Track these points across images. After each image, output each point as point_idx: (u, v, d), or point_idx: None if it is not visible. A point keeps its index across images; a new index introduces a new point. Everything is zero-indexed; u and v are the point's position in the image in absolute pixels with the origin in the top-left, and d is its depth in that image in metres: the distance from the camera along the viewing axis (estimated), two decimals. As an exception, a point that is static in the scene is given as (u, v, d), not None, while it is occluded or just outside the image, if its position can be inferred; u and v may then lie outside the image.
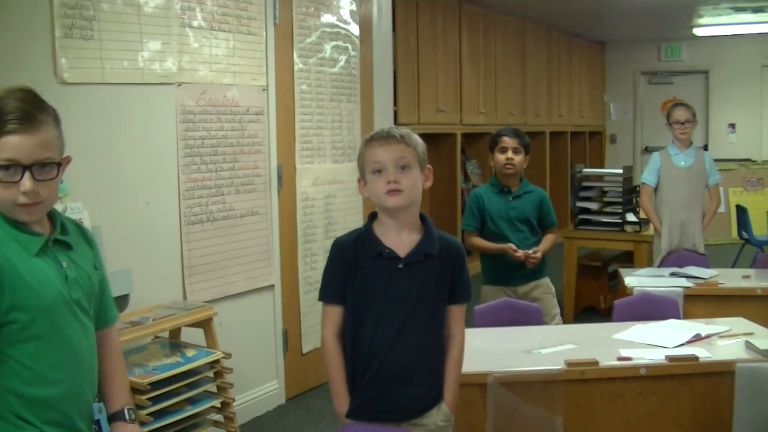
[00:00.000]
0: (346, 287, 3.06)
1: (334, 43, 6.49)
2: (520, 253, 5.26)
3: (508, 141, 5.38)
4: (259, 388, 5.85)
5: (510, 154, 5.36)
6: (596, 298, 8.32)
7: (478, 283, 5.34)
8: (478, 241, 5.39)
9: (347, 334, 3.08)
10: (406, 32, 9.14)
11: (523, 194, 5.47)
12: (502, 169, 5.40)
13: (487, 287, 5.43)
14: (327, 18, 6.43)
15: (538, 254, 5.31)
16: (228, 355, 4.62)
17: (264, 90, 5.76)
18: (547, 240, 5.50)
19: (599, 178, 8.37)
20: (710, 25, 13.48)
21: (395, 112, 8.43)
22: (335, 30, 6.52)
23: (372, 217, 3.14)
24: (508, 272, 5.39)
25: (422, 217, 3.13)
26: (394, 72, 8.15)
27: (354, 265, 3.05)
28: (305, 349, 6.21)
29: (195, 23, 5.15)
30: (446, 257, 3.10)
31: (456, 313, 3.18)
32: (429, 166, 3.13)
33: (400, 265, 3.03)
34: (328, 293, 3.12)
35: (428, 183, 3.12)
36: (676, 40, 15.31)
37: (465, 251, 3.22)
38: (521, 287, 5.41)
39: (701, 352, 3.97)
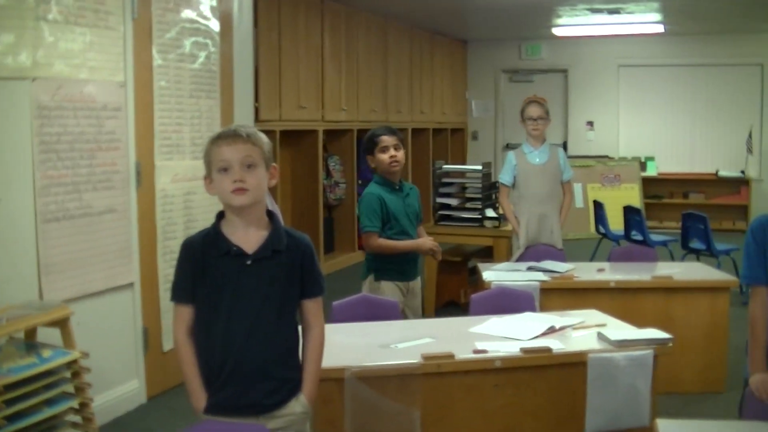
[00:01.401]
0: (195, 286, 3.07)
1: (193, 39, 6.42)
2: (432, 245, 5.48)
3: (387, 140, 5.43)
4: (120, 387, 5.76)
5: (392, 151, 5.41)
6: (457, 292, 8.43)
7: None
8: (387, 242, 5.38)
9: (200, 332, 3.09)
10: (268, 28, 9.12)
11: (409, 190, 5.59)
12: (389, 168, 5.43)
13: (386, 283, 5.42)
14: (187, 13, 6.35)
15: (440, 252, 5.56)
16: (86, 355, 4.54)
17: (122, 86, 5.65)
18: (422, 232, 5.67)
19: (459, 174, 8.48)
20: (568, 26, 13.76)
21: (257, 109, 8.42)
22: (195, 26, 6.45)
23: (220, 215, 3.16)
24: (408, 268, 5.50)
25: (269, 214, 3.16)
26: (256, 68, 8.13)
27: (203, 264, 3.07)
28: (166, 348, 6.14)
29: (50, 16, 5.02)
30: (294, 252, 3.14)
31: (311, 307, 3.23)
32: (274, 164, 3.17)
33: (248, 262, 3.06)
34: (178, 293, 3.13)
35: (273, 181, 3.15)
36: (536, 39, 15.60)
37: (312, 246, 3.24)
38: (411, 282, 5.53)
39: (555, 344, 4.08)
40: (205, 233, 3.14)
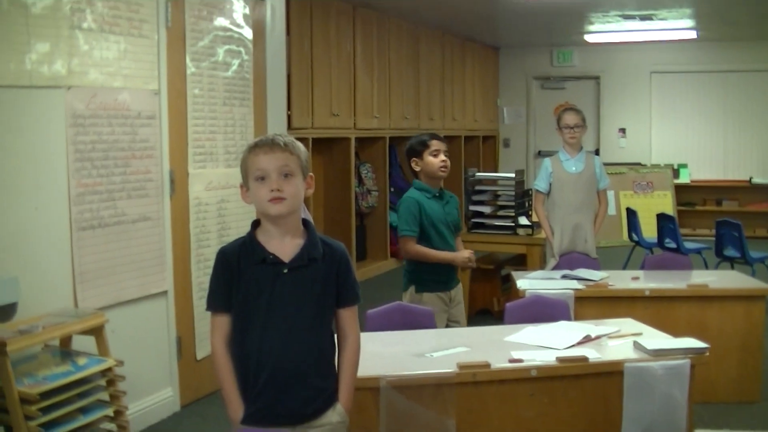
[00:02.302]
0: (231, 295, 3.07)
1: (227, 46, 6.44)
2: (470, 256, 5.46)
3: (439, 144, 5.42)
4: (154, 395, 5.77)
5: (443, 156, 5.41)
6: (490, 301, 8.41)
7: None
8: (423, 249, 5.35)
9: (236, 341, 3.09)
10: (300, 36, 9.13)
11: (449, 199, 5.56)
12: (437, 172, 5.41)
13: (428, 295, 5.38)
14: (220, 21, 6.38)
15: (474, 262, 5.51)
16: (120, 363, 4.56)
17: (156, 94, 5.68)
18: (461, 244, 5.67)
19: (492, 182, 8.46)
20: (600, 32, 13.71)
21: (289, 117, 8.42)
22: (228, 33, 6.47)
23: (255, 224, 3.16)
24: (448, 276, 5.48)
25: (305, 222, 3.17)
26: (288, 76, 8.12)
27: (238, 272, 3.07)
28: (199, 356, 6.16)
29: (85, 25, 5.05)
30: (330, 261, 3.15)
31: (347, 315, 3.23)
32: (311, 173, 3.17)
33: (285, 270, 3.06)
34: (214, 302, 3.13)
35: (310, 190, 3.16)
36: (567, 46, 15.55)
37: (348, 254, 3.25)
38: (453, 291, 5.50)
39: (591, 353, 4.04)
40: (240, 242, 3.14)
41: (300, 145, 3.13)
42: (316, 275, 3.11)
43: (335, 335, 3.25)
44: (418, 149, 5.44)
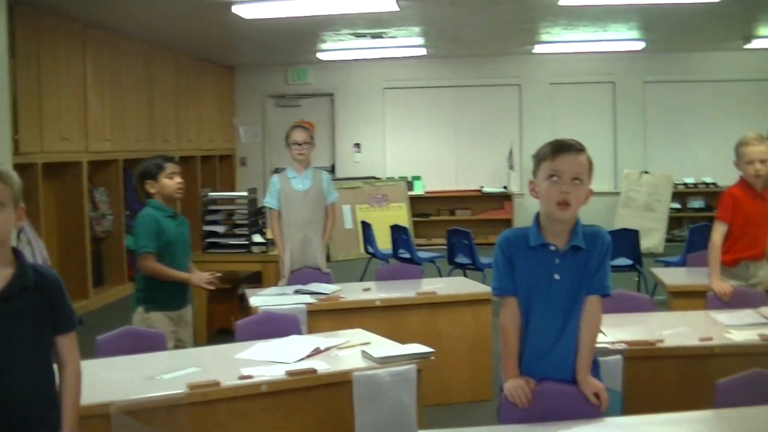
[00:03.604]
0: None
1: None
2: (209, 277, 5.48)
3: (173, 166, 5.49)
4: None
5: (178, 179, 5.47)
6: (228, 320, 8.35)
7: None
8: (162, 268, 5.37)
9: None
10: (27, 57, 8.82)
11: (182, 221, 5.61)
12: (174, 194, 5.49)
13: (156, 314, 5.38)
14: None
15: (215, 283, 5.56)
16: None
17: None
18: (192, 266, 5.71)
19: (227, 201, 8.44)
20: (333, 50, 13.96)
21: (16, 141, 8.14)
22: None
23: None
24: (178, 295, 5.49)
25: (15, 252, 3.06)
26: (14, 99, 7.85)
27: None
28: None
29: None
30: (42, 289, 3.05)
31: (64, 343, 3.13)
32: (23, 205, 3.07)
33: None
34: None
35: (20, 222, 3.07)
36: (302, 64, 15.70)
37: (61, 281, 3.15)
38: (182, 310, 5.49)
39: (320, 365, 4.11)
40: None
41: (14, 174, 3.02)
42: (29, 305, 3.01)
43: (54, 364, 3.15)
44: (153, 171, 5.46)
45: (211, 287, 5.65)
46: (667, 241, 14.12)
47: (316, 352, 4.37)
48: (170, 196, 5.47)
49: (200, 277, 5.51)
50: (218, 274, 5.59)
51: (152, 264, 5.33)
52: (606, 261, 3.41)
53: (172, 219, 5.48)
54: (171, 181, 5.44)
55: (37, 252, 6.78)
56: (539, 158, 3.40)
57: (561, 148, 3.34)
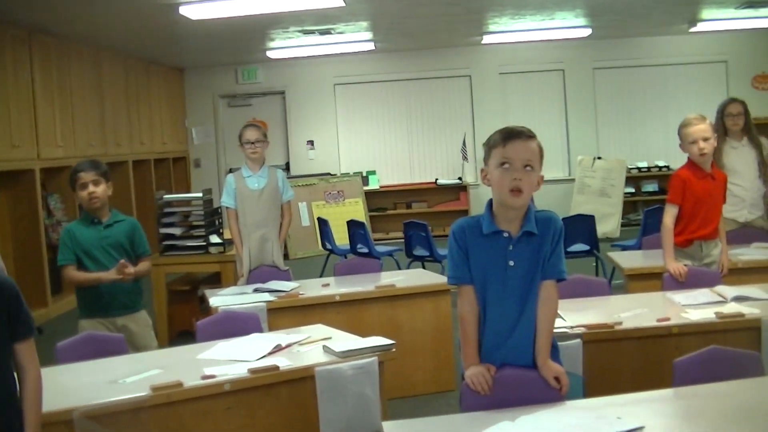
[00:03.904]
0: None
1: None
2: (113, 274, 5.30)
3: (85, 176, 5.36)
4: None
5: (91, 188, 5.35)
6: (189, 322, 8.33)
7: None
8: (75, 274, 5.32)
9: None
10: (-29, 66, 8.75)
11: (114, 223, 5.50)
12: (89, 204, 5.39)
13: (84, 321, 5.34)
14: None
15: (130, 269, 5.33)
16: None
17: None
18: (141, 265, 5.55)
19: (182, 203, 8.42)
20: (283, 48, 13.94)
21: (-37, 151, 8.07)
22: None
23: None
24: (106, 303, 5.37)
25: None
26: (-40, 109, 7.79)
27: None
28: None
29: None
30: None
31: (23, 349, 3.12)
32: None
33: None
34: None
35: None
36: (252, 63, 15.67)
37: (17, 288, 3.14)
38: (119, 318, 5.40)
39: (282, 362, 4.13)
40: None
41: None
42: None
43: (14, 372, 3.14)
44: (71, 184, 5.47)
45: (124, 276, 5.35)
46: (623, 225, 14.26)
47: (278, 349, 4.39)
48: (86, 207, 5.45)
49: (109, 272, 5.35)
50: (124, 261, 5.45)
51: (69, 273, 5.34)
52: (559, 245, 3.45)
53: (94, 225, 5.43)
54: (83, 192, 5.37)
55: (-7, 262, 6.73)
56: (490, 146, 3.43)
57: (511, 135, 3.38)
